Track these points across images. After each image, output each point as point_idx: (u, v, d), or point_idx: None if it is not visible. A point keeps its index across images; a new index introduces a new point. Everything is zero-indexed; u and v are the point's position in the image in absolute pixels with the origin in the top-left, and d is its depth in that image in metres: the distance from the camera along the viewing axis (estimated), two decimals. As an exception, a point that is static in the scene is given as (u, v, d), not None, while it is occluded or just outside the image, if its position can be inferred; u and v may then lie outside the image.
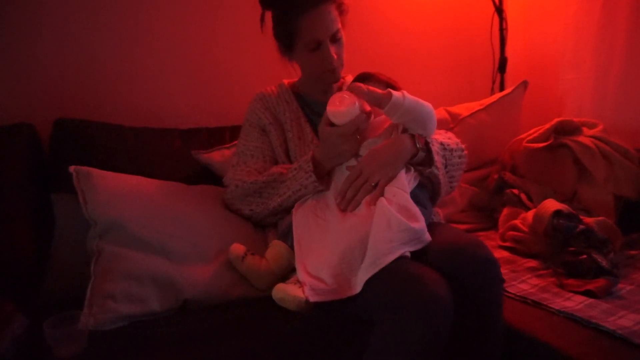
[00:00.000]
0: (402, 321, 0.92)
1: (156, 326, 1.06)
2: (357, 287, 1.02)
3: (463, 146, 1.35)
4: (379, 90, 1.16)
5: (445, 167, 1.28)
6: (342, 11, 1.33)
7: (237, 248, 1.20)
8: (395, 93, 1.14)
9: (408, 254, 1.04)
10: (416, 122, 1.19)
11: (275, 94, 1.45)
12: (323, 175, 1.25)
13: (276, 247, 1.20)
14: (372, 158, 1.18)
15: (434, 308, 0.92)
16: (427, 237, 1.08)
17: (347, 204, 1.17)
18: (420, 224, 1.07)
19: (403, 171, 1.17)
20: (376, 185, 1.15)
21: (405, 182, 1.15)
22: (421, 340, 0.91)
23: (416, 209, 1.09)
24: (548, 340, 1.03)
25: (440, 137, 1.32)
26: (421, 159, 1.21)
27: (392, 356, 0.92)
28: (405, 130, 1.22)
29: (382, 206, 1.07)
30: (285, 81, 1.49)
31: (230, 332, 1.04)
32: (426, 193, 1.25)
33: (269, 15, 1.36)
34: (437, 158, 1.23)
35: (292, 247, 1.17)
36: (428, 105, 1.20)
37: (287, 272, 1.19)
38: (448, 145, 1.30)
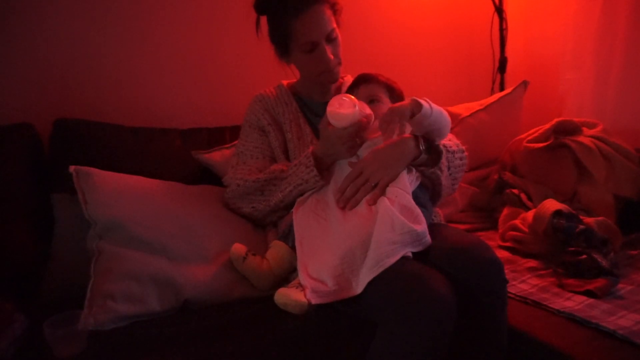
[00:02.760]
0: (406, 321, 0.92)
1: (156, 326, 1.06)
2: (359, 288, 1.02)
3: (464, 148, 1.34)
4: (405, 104, 1.13)
5: (448, 169, 1.28)
6: (335, 10, 1.33)
7: (239, 248, 1.20)
8: (423, 103, 1.12)
9: (410, 254, 1.04)
10: (436, 132, 1.19)
11: (274, 95, 1.45)
12: (323, 170, 1.26)
13: (277, 247, 1.20)
14: (374, 158, 1.17)
15: (437, 307, 0.92)
16: (429, 239, 1.08)
17: (345, 202, 1.17)
18: (423, 227, 1.07)
19: (405, 172, 1.16)
20: (376, 185, 1.15)
21: (407, 182, 1.14)
22: (425, 339, 0.91)
23: (418, 211, 1.09)
24: (548, 340, 1.03)
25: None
26: (424, 161, 1.20)
27: (396, 356, 0.92)
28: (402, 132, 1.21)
29: (385, 207, 1.07)
30: (284, 82, 1.49)
31: (230, 332, 1.04)
32: (427, 194, 1.25)
33: (264, 19, 1.36)
34: (442, 160, 1.23)
35: (292, 247, 1.17)
36: (445, 112, 1.20)
37: (288, 273, 1.20)
38: (450, 147, 1.29)
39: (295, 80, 1.50)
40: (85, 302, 1.06)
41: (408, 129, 1.20)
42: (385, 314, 0.96)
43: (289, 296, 1.05)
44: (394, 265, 1.00)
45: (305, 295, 1.03)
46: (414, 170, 1.19)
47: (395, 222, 1.04)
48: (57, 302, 1.15)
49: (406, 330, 0.91)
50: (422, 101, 1.13)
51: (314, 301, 1.02)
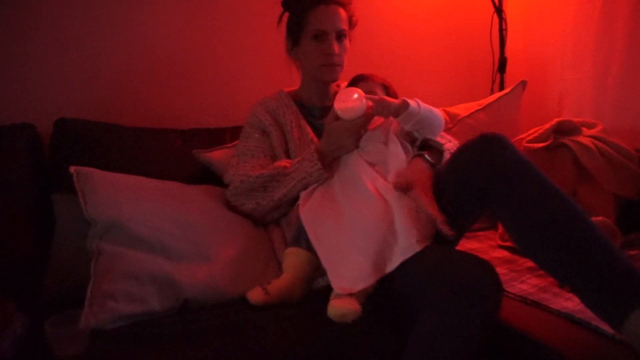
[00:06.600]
0: (460, 299, 0.91)
1: (156, 326, 1.06)
2: (393, 265, 1.07)
3: None
4: (395, 101, 1.22)
5: None
6: (351, 22, 1.43)
7: (255, 293, 1.15)
8: (411, 102, 1.20)
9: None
10: (427, 129, 1.25)
11: (276, 99, 1.49)
12: (326, 166, 1.29)
13: (293, 255, 1.20)
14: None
15: (487, 282, 0.93)
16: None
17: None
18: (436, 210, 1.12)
19: (404, 156, 1.23)
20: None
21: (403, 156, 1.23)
22: (478, 315, 0.91)
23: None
24: (548, 340, 1.03)
25: (442, 140, 1.34)
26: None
27: (452, 333, 0.90)
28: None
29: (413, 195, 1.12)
30: (285, 89, 1.53)
31: (230, 332, 1.04)
32: None
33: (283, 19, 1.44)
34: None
35: (307, 248, 1.18)
36: (438, 111, 1.26)
37: (312, 273, 1.20)
38: (451, 149, 1.32)
39: (294, 88, 1.54)
40: (86, 301, 1.06)
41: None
42: (436, 294, 0.94)
43: (344, 307, 1.05)
44: (430, 261, 1.03)
45: (355, 302, 1.06)
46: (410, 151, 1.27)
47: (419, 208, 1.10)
48: (57, 301, 1.15)
49: (460, 308, 0.90)
50: (410, 101, 1.21)
51: (359, 287, 1.06)
